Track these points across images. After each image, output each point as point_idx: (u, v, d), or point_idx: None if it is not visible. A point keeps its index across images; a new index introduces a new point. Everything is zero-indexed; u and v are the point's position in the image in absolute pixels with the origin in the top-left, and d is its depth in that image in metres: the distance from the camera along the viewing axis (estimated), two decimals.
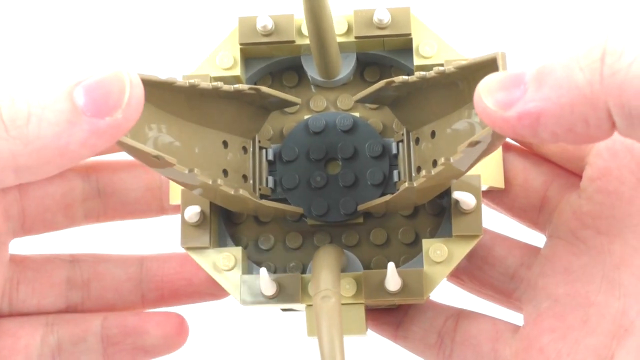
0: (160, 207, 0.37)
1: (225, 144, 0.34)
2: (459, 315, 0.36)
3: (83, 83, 0.28)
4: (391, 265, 0.32)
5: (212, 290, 0.38)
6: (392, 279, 0.32)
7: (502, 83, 0.28)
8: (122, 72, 0.28)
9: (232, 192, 0.31)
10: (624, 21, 0.26)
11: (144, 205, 0.37)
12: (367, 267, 0.35)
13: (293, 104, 0.35)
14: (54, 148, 0.28)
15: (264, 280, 0.33)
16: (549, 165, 0.35)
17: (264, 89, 0.33)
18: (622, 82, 0.25)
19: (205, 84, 0.32)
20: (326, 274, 0.31)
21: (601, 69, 0.26)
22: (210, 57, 0.35)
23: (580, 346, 0.32)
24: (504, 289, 0.36)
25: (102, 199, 0.37)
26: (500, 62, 0.29)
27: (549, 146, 0.35)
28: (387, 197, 0.33)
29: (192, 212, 0.34)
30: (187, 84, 0.31)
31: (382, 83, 0.33)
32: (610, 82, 0.25)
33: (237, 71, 0.35)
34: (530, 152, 0.36)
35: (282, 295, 0.33)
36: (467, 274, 0.37)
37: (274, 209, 0.34)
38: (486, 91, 0.28)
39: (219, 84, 0.32)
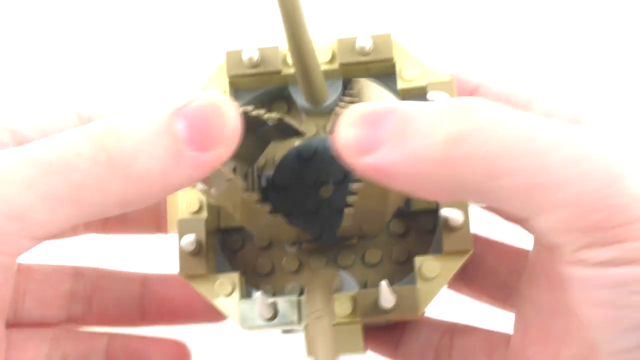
0: (157, 225, 0.38)
1: (234, 170, 0.36)
2: (454, 330, 0.37)
3: (182, 113, 0.28)
4: (383, 284, 0.33)
5: (211, 315, 0.38)
6: (386, 296, 0.33)
7: (364, 118, 0.27)
8: (220, 103, 0.28)
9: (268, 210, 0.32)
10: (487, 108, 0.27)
11: (142, 222, 0.38)
12: (362, 286, 0.36)
13: (302, 134, 0.35)
14: (159, 184, 0.28)
15: (261, 304, 0.33)
16: None
17: (287, 118, 0.34)
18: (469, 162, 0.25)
19: (255, 112, 0.32)
20: (317, 296, 0.31)
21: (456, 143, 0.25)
22: (199, 91, 0.36)
23: (561, 357, 0.30)
24: (498, 296, 0.37)
25: None
26: (365, 90, 0.30)
27: None
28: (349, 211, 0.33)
29: (188, 241, 0.34)
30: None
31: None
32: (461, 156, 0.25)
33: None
34: None
35: (280, 317, 0.34)
36: (464, 283, 0.38)
37: (291, 231, 0.35)
38: (347, 123, 0.27)
39: (250, 108, 0.32)
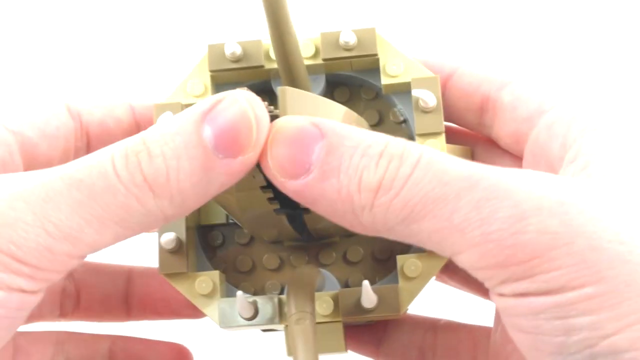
0: None
1: None
2: (437, 327, 0.37)
3: (209, 119, 0.28)
4: (365, 283, 0.33)
5: (190, 311, 0.38)
6: (367, 296, 0.33)
7: (294, 139, 0.28)
8: (247, 107, 0.28)
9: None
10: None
11: None
12: (344, 285, 0.36)
13: None
14: (194, 197, 0.29)
15: (241, 303, 0.33)
16: None
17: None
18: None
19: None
20: (299, 296, 0.31)
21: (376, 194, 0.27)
22: (181, 85, 0.36)
23: None
24: (480, 287, 0.37)
25: None
26: (281, 100, 0.30)
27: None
28: None
29: (168, 239, 0.34)
30: None
31: None
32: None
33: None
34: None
35: (260, 316, 0.34)
36: (447, 273, 0.38)
37: (288, 229, 0.35)
38: (279, 141, 0.28)
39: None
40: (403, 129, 0.37)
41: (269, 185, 0.31)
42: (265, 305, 0.34)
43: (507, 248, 0.26)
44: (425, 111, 0.35)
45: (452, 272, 0.38)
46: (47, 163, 0.35)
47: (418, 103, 0.35)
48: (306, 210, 0.33)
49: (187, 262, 0.35)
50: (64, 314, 0.39)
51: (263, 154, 0.28)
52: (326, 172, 0.28)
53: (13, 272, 0.28)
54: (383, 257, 0.36)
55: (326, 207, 0.28)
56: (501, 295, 0.27)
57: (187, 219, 0.35)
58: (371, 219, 0.28)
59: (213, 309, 0.34)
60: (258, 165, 0.29)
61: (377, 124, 0.37)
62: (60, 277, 0.30)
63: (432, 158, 0.27)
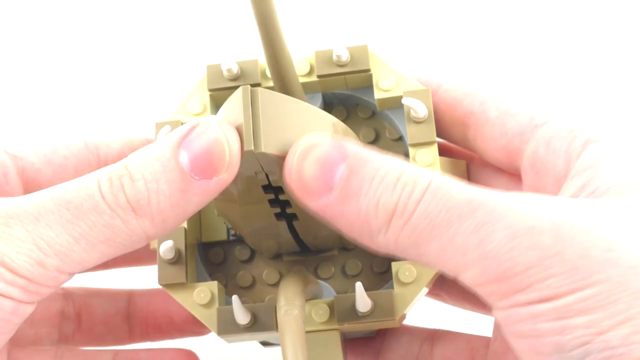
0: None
1: None
2: (434, 337, 0.37)
3: (185, 145, 0.30)
4: (359, 285, 0.33)
5: (193, 328, 0.39)
6: (362, 299, 0.33)
7: (319, 160, 0.30)
8: (219, 132, 0.30)
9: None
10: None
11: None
12: None
13: None
14: (174, 215, 0.31)
15: (237, 307, 0.34)
16: None
17: None
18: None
19: None
20: (288, 291, 0.32)
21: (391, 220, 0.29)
22: (181, 105, 0.37)
23: None
24: (478, 301, 0.37)
25: None
26: (243, 101, 0.31)
27: None
28: None
29: (167, 247, 0.35)
30: None
31: None
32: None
33: (207, 116, 0.37)
34: None
35: (257, 324, 0.34)
36: (444, 290, 0.38)
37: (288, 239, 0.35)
38: (302, 160, 0.30)
39: None
40: (399, 145, 0.38)
41: (270, 186, 0.32)
42: (263, 313, 0.34)
43: (503, 263, 0.28)
44: (417, 121, 0.36)
45: (449, 289, 0.38)
46: None
47: (410, 114, 0.36)
48: (295, 217, 0.34)
49: (186, 272, 0.35)
50: (64, 338, 0.39)
51: (287, 171, 0.30)
52: (347, 194, 0.29)
53: (7, 282, 0.30)
54: (381, 270, 0.36)
55: (346, 226, 0.30)
56: (501, 307, 0.29)
57: (188, 235, 0.36)
58: (385, 241, 0.30)
59: (211, 318, 0.35)
60: (261, 165, 0.31)
61: (374, 142, 0.38)
62: (51, 292, 0.31)
63: (440, 184, 0.29)
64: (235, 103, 0.31)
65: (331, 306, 0.34)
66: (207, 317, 0.35)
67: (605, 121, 0.35)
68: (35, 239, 0.30)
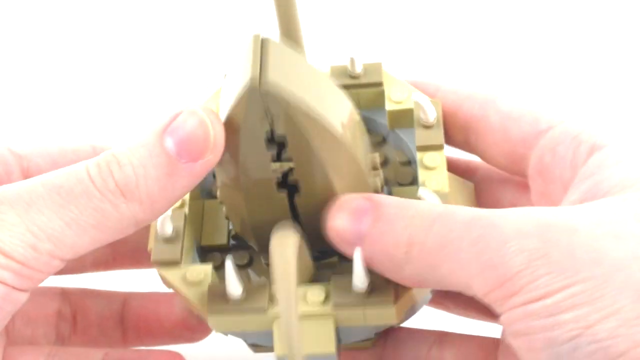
0: None
1: None
2: (442, 341, 0.37)
3: (170, 131, 0.32)
4: (357, 253, 0.33)
5: (185, 333, 0.40)
6: (358, 271, 0.33)
7: (351, 212, 0.33)
8: (204, 117, 0.32)
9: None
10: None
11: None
12: None
13: None
14: (162, 199, 0.32)
15: (230, 272, 0.33)
16: None
17: None
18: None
19: None
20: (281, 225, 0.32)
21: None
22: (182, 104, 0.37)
23: None
24: (485, 308, 0.37)
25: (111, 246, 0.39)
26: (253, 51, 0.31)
27: None
28: None
29: (164, 220, 0.35)
30: None
31: None
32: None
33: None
34: None
35: (249, 300, 0.34)
36: (450, 298, 0.39)
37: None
38: (337, 213, 0.33)
39: None
40: (407, 169, 0.38)
41: (272, 140, 0.32)
42: (255, 289, 0.34)
43: (498, 269, 0.30)
44: (426, 126, 0.37)
45: (454, 297, 0.39)
46: None
47: (419, 118, 0.37)
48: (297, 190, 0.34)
49: (181, 252, 0.35)
50: (61, 339, 0.39)
51: (324, 224, 0.33)
52: (373, 237, 0.32)
53: (0, 267, 0.31)
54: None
55: (378, 265, 0.33)
56: (503, 312, 0.30)
57: (187, 238, 0.36)
58: (410, 273, 0.32)
59: (202, 297, 0.34)
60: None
61: (384, 165, 0.39)
62: (44, 277, 0.32)
63: (445, 211, 0.32)
64: (245, 51, 0.31)
65: (327, 289, 0.34)
66: (197, 295, 0.34)
67: (610, 125, 0.36)
68: (27, 224, 0.31)
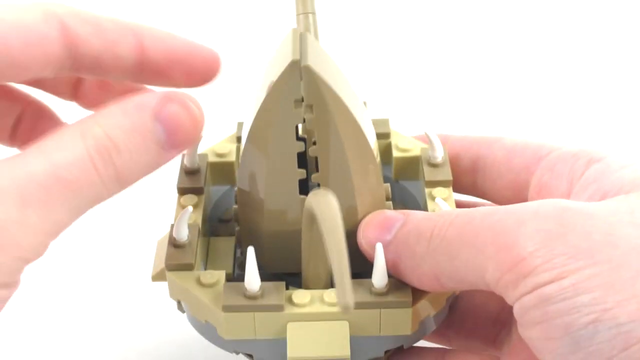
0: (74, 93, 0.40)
1: None
2: (445, 356, 0.37)
3: (161, 118, 0.32)
4: (379, 246, 0.34)
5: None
6: (379, 265, 0.34)
7: (379, 224, 0.35)
8: (190, 106, 0.32)
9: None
10: None
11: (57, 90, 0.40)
12: None
13: None
14: (138, 179, 0.32)
15: (251, 263, 0.33)
16: None
17: None
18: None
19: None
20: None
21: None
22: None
23: None
24: (488, 335, 0.38)
25: None
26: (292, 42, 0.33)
27: None
28: None
29: (181, 230, 0.36)
30: None
31: None
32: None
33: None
34: None
35: (266, 298, 0.34)
36: (452, 329, 0.39)
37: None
38: (367, 226, 0.35)
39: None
40: None
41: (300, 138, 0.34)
42: (272, 289, 0.34)
43: (513, 249, 0.30)
44: (434, 164, 0.39)
45: (458, 328, 0.39)
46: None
47: (427, 158, 0.39)
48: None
49: (195, 257, 0.35)
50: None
51: (358, 234, 0.35)
52: (399, 239, 0.34)
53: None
54: None
55: (402, 267, 0.34)
56: (516, 299, 0.30)
57: (199, 252, 0.36)
58: (429, 265, 0.33)
59: (215, 298, 0.34)
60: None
61: None
62: (41, 250, 0.31)
63: (467, 211, 0.33)
64: (285, 41, 0.34)
65: None
66: (211, 296, 0.35)
67: (607, 144, 0.37)
68: (44, 225, 0.31)
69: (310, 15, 0.37)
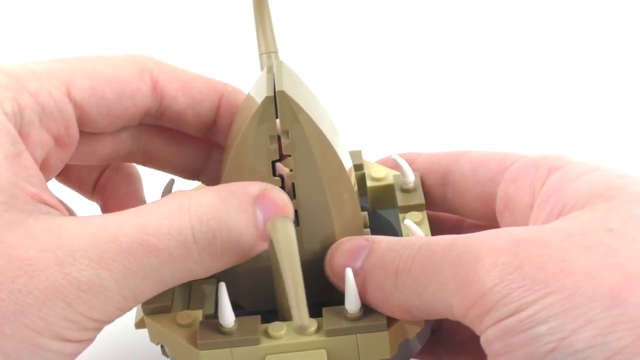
0: None
1: None
2: None
3: (261, 204, 0.33)
4: (349, 271, 0.34)
5: None
6: (351, 291, 0.34)
7: (347, 252, 0.35)
8: (280, 191, 0.34)
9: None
10: None
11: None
12: None
13: None
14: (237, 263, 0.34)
15: (223, 299, 0.34)
16: None
17: None
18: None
19: None
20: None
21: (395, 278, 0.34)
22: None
23: None
24: (477, 351, 0.38)
25: None
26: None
27: None
28: None
29: None
30: None
31: None
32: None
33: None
34: None
35: (241, 331, 0.34)
36: (441, 346, 0.40)
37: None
38: (335, 253, 0.35)
39: None
40: None
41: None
42: (247, 323, 0.34)
43: (473, 286, 0.31)
44: (407, 190, 0.39)
45: (446, 346, 0.40)
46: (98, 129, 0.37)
47: (400, 184, 0.39)
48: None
49: (172, 297, 0.36)
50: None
51: (325, 263, 0.36)
52: (366, 271, 0.34)
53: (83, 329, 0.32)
54: None
55: (371, 298, 0.34)
56: (481, 332, 0.31)
57: (177, 297, 0.37)
58: (399, 300, 0.33)
59: (192, 335, 0.34)
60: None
61: None
62: (119, 314, 0.33)
63: (428, 241, 0.33)
64: (260, 79, 0.35)
65: (320, 322, 0.35)
66: (187, 336, 0.35)
67: (568, 151, 0.37)
68: (122, 291, 0.31)
69: (273, 54, 0.37)
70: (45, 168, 0.35)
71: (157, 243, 0.31)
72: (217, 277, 0.37)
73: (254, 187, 0.33)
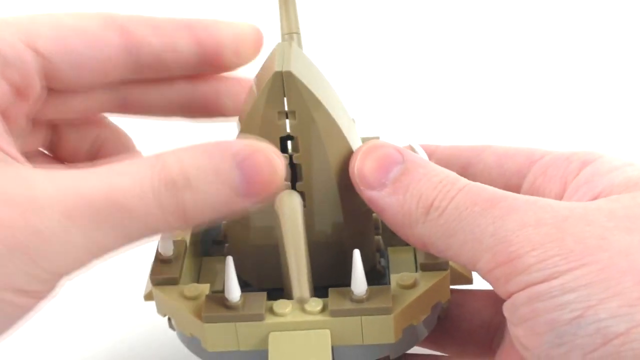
0: None
1: None
2: None
3: (241, 166, 0.31)
4: (356, 253, 0.33)
5: None
6: (358, 271, 0.33)
7: (379, 159, 0.34)
8: (274, 161, 0.31)
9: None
10: None
11: None
12: None
13: None
14: (205, 222, 0.32)
15: (230, 273, 0.33)
16: None
17: None
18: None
19: None
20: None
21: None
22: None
23: None
24: (483, 340, 0.38)
25: None
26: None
27: None
28: None
29: (167, 245, 0.35)
30: None
31: None
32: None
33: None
34: None
35: (247, 307, 0.34)
36: (447, 337, 0.39)
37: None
38: (365, 156, 0.34)
39: None
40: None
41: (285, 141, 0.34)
42: (253, 299, 0.34)
43: (511, 246, 0.31)
44: None
45: (451, 336, 0.39)
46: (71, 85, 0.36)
47: None
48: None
49: (180, 271, 0.36)
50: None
51: (352, 162, 0.34)
52: (397, 188, 0.33)
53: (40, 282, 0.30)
54: None
55: (390, 216, 0.33)
56: (507, 295, 0.31)
57: (186, 271, 0.36)
58: (422, 232, 0.33)
59: (197, 308, 0.34)
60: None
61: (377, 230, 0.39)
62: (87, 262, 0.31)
63: (472, 186, 0.33)
64: (270, 55, 0.34)
65: (325, 302, 0.34)
66: (194, 308, 0.34)
67: (601, 147, 0.38)
68: (89, 245, 0.30)
69: (295, 35, 0.37)
70: (5, 119, 0.34)
71: (124, 201, 0.30)
72: (225, 253, 0.38)
73: (235, 146, 0.32)
